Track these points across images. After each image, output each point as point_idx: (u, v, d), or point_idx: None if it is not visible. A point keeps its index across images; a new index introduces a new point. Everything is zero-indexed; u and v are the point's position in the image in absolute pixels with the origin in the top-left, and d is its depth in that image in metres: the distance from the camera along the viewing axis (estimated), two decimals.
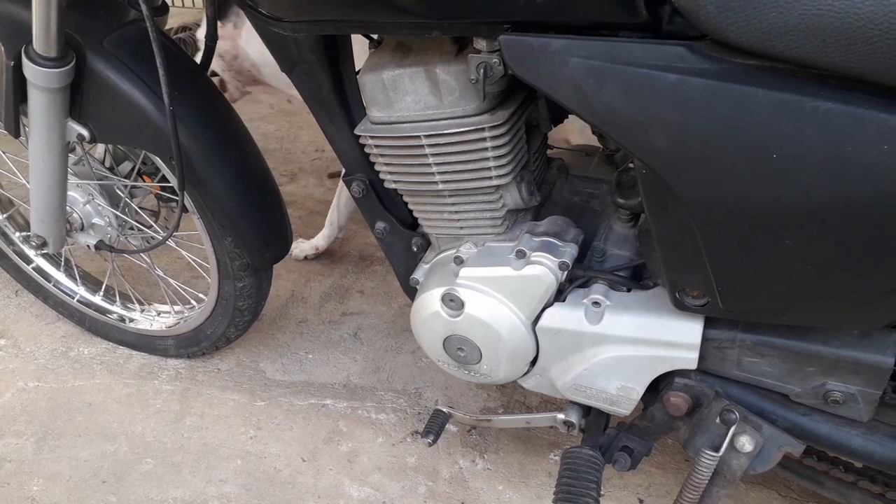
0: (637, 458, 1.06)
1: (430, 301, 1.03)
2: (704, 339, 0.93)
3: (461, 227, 1.04)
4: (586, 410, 1.13)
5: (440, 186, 0.98)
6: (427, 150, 0.94)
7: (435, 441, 1.12)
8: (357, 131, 0.99)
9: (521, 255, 0.97)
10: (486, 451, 1.48)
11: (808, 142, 0.67)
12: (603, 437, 1.09)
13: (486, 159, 0.93)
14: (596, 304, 0.97)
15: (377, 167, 1.02)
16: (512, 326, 0.99)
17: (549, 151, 1.20)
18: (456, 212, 1.02)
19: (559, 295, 1.00)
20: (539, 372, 1.06)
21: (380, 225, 1.15)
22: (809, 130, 0.67)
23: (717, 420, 0.90)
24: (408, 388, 1.64)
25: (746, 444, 0.90)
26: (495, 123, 0.90)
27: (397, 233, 1.15)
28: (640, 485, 1.41)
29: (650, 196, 0.79)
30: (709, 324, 0.92)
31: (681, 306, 0.89)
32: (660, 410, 0.99)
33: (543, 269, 0.96)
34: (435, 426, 1.13)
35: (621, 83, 0.72)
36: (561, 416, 1.09)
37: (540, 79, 0.76)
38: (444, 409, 1.15)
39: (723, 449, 0.89)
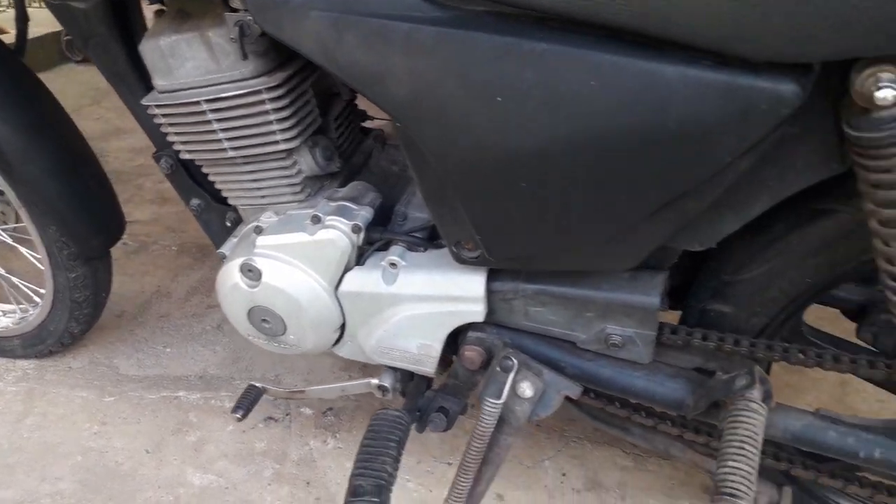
0: (452, 418, 1.07)
1: (229, 273, 1.02)
2: (490, 292, 0.95)
3: (263, 196, 1.03)
4: (409, 375, 1.15)
5: (231, 154, 0.97)
6: (210, 116, 0.93)
7: (245, 416, 1.11)
8: (144, 101, 0.97)
9: (316, 220, 0.97)
10: (339, 431, 1.47)
11: (528, 83, 0.69)
12: (422, 400, 1.10)
13: (269, 123, 0.93)
14: (393, 265, 0.98)
15: (169, 138, 1.00)
16: (312, 293, 1.00)
17: (369, 122, 1.21)
18: (254, 180, 1.01)
19: (361, 260, 1.01)
20: (349, 338, 1.06)
21: (194, 201, 1.14)
22: (527, 72, 0.69)
23: (499, 368, 0.93)
24: (267, 375, 1.62)
25: (527, 389, 0.93)
26: (272, 85, 0.90)
27: (212, 209, 1.14)
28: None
29: (407, 150, 0.81)
30: (492, 276, 0.94)
31: (460, 260, 0.91)
32: (459, 366, 1.01)
33: (337, 233, 0.97)
34: (246, 401, 1.12)
35: (359, 34, 0.74)
36: (375, 381, 1.09)
37: (285, 33, 0.77)
38: (258, 385, 1.14)
39: (504, 396, 0.91)
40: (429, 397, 1.10)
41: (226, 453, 1.43)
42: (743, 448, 0.82)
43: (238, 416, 1.10)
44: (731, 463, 0.82)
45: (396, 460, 0.96)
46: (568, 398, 1.10)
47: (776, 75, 0.63)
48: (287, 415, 1.52)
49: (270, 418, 1.51)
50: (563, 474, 1.39)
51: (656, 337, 0.94)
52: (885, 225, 0.70)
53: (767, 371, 1.05)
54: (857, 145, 0.66)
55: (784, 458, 1.05)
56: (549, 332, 0.98)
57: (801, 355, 0.91)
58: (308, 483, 1.37)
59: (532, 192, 0.76)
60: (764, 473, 1.08)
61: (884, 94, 0.60)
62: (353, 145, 1.10)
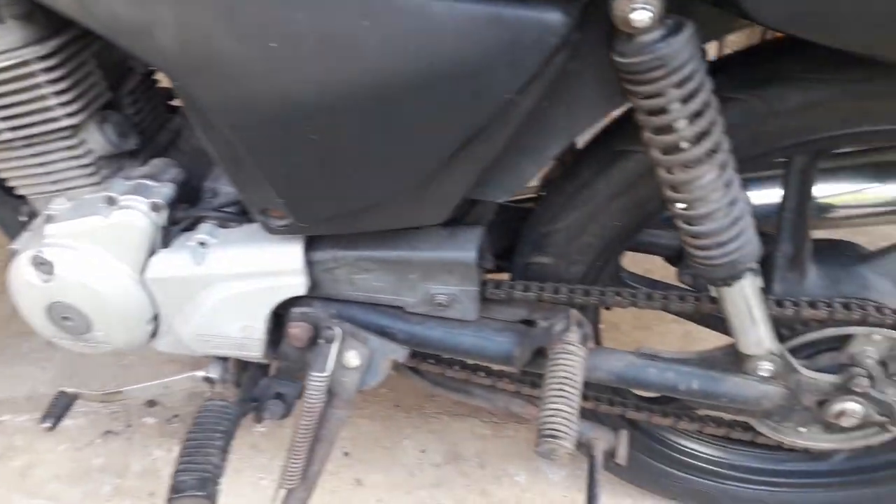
0: (290, 404, 1.03)
1: (19, 269, 0.93)
2: (309, 263, 0.91)
3: (53, 182, 0.94)
4: (243, 365, 1.09)
5: (8, 135, 0.88)
6: None
7: (55, 425, 1.01)
8: None
9: (110, 201, 0.90)
10: None
11: (300, 25, 0.66)
12: (258, 390, 1.04)
13: (45, 97, 0.85)
14: (202, 244, 0.92)
15: None
16: (114, 282, 0.92)
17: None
18: (40, 164, 0.92)
19: (168, 242, 0.94)
20: (166, 330, 0.99)
21: None
22: (299, 13, 0.66)
23: (322, 340, 0.89)
24: (106, 389, 1.50)
25: (353, 359, 0.90)
26: (43, 54, 0.82)
27: (1, 202, 1.03)
28: (347, 438, 1.39)
29: (189, 110, 0.76)
30: (310, 246, 0.91)
31: (271, 230, 0.87)
32: (287, 346, 0.97)
33: (135, 213, 0.89)
34: (56, 410, 1.02)
35: None
36: (200, 373, 1.03)
37: None
38: (69, 390, 1.05)
39: (329, 368, 0.88)
40: (264, 385, 1.04)
41: (58, 474, 1.31)
42: (562, 389, 0.83)
43: (47, 425, 1.01)
44: (551, 405, 0.82)
45: (224, 451, 0.91)
46: (411, 368, 1.09)
47: (542, 5, 0.63)
48: (129, 426, 1.41)
49: (109, 432, 1.40)
50: (423, 451, 1.38)
51: (480, 293, 0.93)
52: (665, 152, 0.72)
53: (596, 319, 1.08)
54: (625, 72, 0.67)
55: (618, 403, 1.08)
56: (378, 300, 0.96)
57: (616, 297, 0.93)
58: (152, 494, 1.28)
59: (322, 145, 0.73)
60: (600, 420, 1.11)
61: (639, 16, 0.61)
62: (154, 122, 1.02)
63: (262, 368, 1.08)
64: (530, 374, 1.08)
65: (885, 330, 0.90)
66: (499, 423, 1.44)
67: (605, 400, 1.07)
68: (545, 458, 0.81)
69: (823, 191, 1.20)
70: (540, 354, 0.94)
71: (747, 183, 1.16)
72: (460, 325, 0.96)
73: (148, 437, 1.39)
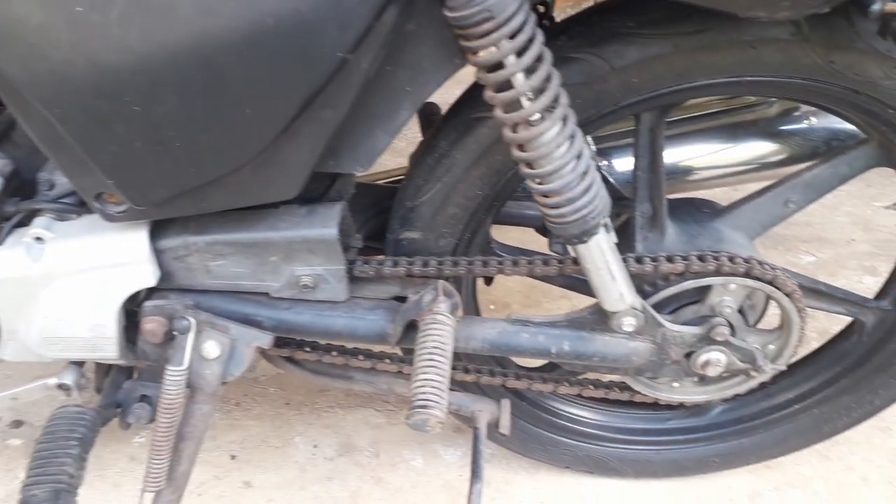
0: (157, 405, 0.96)
1: None
2: (159, 251, 0.86)
3: None
4: (105, 370, 1.02)
5: None
6: None
7: None
8: None
9: None
10: None
11: None
12: (121, 394, 0.98)
13: None
14: (38, 238, 0.85)
15: None
16: None
17: None
18: None
19: None
20: (10, 336, 0.91)
21: None
22: None
23: (175, 332, 0.84)
24: None
25: (212, 349, 0.85)
26: None
27: None
28: (233, 441, 1.34)
29: (3, 92, 0.69)
30: (156, 233, 0.86)
31: (109, 217, 0.81)
32: (145, 343, 0.91)
33: None
34: None
35: None
36: (52, 380, 0.95)
37: None
38: None
39: (186, 360, 0.83)
40: (127, 388, 0.98)
41: None
42: (432, 359, 0.82)
43: None
44: (421, 376, 0.81)
45: (80, 459, 0.84)
46: (288, 359, 1.05)
47: None
48: None
49: None
50: (315, 446, 1.34)
51: (347, 272, 0.91)
52: (507, 110, 0.72)
53: (473, 292, 1.08)
54: (459, 28, 0.66)
55: (499, 373, 1.08)
56: (240, 287, 0.91)
57: (483, 266, 0.93)
58: None
59: (146, 117, 0.68)
60: (483, 392, 1.10)
61: None
62: None
63: (124, 371, 1.01)
64: (412, 353, 1.06)
65: (739, 279, 0.94)
66: (394, 410, 1.42)
67: (486, 371, 1.07)
68: (419, 430, 0.79)
69: (682, 154, 1.25)
70: (413, 328, 0.93)
71: (606, 153, 1.19)
72: (330, 306, 0.93)
73: (13, 460, 1.28)
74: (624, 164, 1.20)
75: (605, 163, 1.21)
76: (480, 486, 0.92)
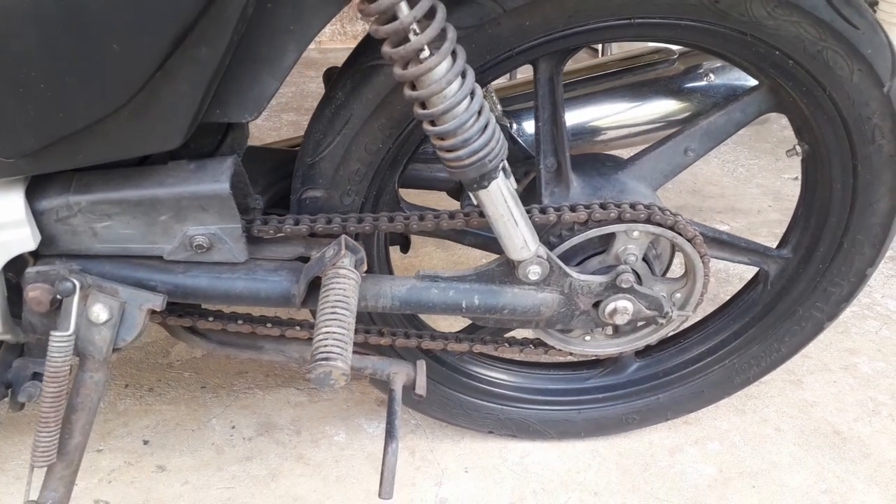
0: None
1: None
2: (38, 213, 0.81)
3: None
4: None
5: None
6: None
7: None
8: None
9: None
10: None
11: None
12: (11, 373, 0.92)
13: None
14: None
15: None
16: None
17: None
18: None
19: None
20: None
21: None
22: None
23: (59, 296, 0.79)
24: None
25: (101, 312, 0.81)
26: None
27: None
28: (146, 426, 1.28)
29: None
30: (34, 193, 0.80)
31: None
32: (31, 313, 0.85)
33: None
34: None
35: None
36: None
37: None
38: None
39: (72, 325, 0.78)
40: (17, 366, 0.92)
41: None
42: (335, 312, 0.80)
43: None
44: (323, 329, 0.79)
45: None
46: (190, 329, 1.01)
47: None
48: None
49: None
50: (233, 427, 1.30)
51: (245, 230, 0.87)
52: (395, 45, 0.71)
53: (387, 260, 1.06)
54: None
55: (413, 335, 1.06)
56: (130, 251, 0.87)
57: (389, 222, 0.92)
58: None
59: (5, 56, 0.64)
60: (398, 354, 1.09)
61: None
62: None
63: (13, 350, 0.95)
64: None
65: (641, 225, 0.95)
66: (315, 388, 1.39)
67: (401, 334, 1.05)
68: (321, 385, 0.77)
69: (588, 115, 1.26)
70: (317, 288, 0.90)
71: (515, 115, 1.19)
72: (229, 268, 0.90)
73: None
74: (532, 126, 1.20)
75: (513, 125, 1.21)
76: (396, 446, 0.90)
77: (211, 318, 0.98)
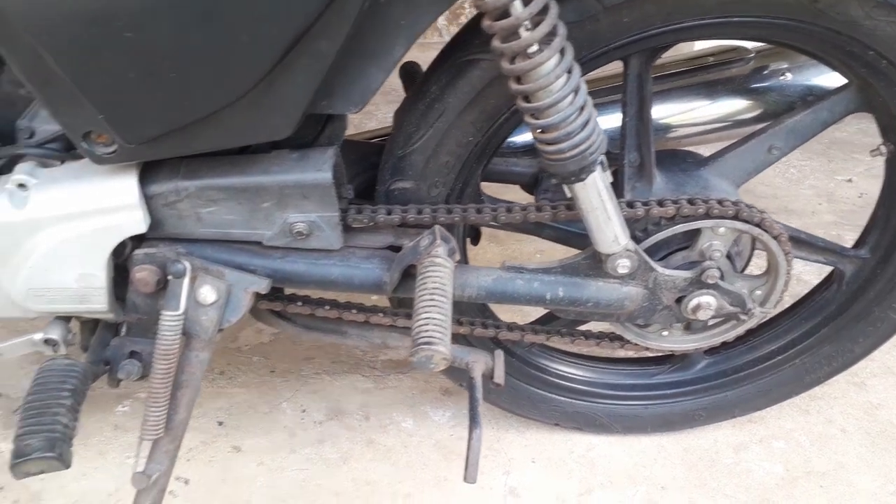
0: (147, 361, 0.94)
1: None
2: (149, 197, 0.84)
3: None
4: (90, 327, 0.99)
5: None
6: None
7: None
8: None
9: None
10: None
11: None
12: (109, 351, 0.95)
13: None
14: (21, 185, 0.82)
15: None
16: None
17: None
18: None
19: None
20: None
21: None
22: None
23: (171, 277, 0.83)
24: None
25: (209, 294, 0.84)
26: None
27: None
28: (220, 408, 1.32)
29: None
30: (146, 178, 0.84)
31: (98, 160, 0.79)
32: (135, 294, 0.89)
33: None
34: None
35: None
36: (38, 335, 0.93)
37: None
38: None
39: (182, 305, 0.81)
40: (116, 345, 0.96)
41: None
42: (433, 299, 0.82)
43: None
44: (423, 315, 0.81)
45: (74, 410, 0.82)
46: (279, 314, 1.04)
47: None
48: None
49: None
50: (304, 410, 1.33)
51: (342, 219, 0.90)
52: (505, 39, 0.72)
53: (463, 243, 1.08)
54: None
55: (491, 325, 1.08)
56: (231, 236, 0.90)
57: (478, 213, 0.93)
58: (1, 489, 1.15)
59: (139, 45, 0.66)
60: (478, 343, 1.11)
61: None
62: None
63: (111, 329, 0.99)
64: (404, 307, 1.06)
65: (728, 221, 0.95)
66: (381, 375, 1.41)
67: (478, 324, 1.07)
68: (422, 368, 0.79)
69: (660, 112, 1.26)
70: (410, 277, 0.92)
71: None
72: (325, 255, 0.93)
73: None
74: (609, 120, 1.20)
75: None
76: (480, 432, 0.92)
77: (300, 303, 1.01)
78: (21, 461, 0.78)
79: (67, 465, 0.80)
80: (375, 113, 2.26)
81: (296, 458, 1.23)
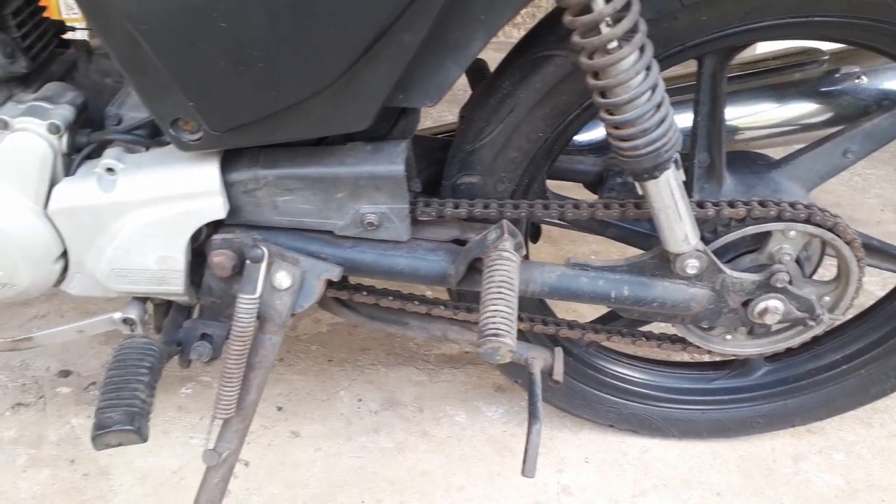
0: (218, 344, 0.97)
1: None
2: (229, 184, 0.87)
3: None
4: (164, 311, 1.03)
5: None
6: None
7: None
8: None
9: (2, 125, 0.83)
10: None
11: None
12: (182, 332, 0.99)
13: None
14: (109, 170, 0.86)
15: None
16: (13, 214, 0.85)
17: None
18: None
19: (71, 169, 0.88)
20: (77, 268, 0.92)
21: None
22: None
23: (249, 262, 0.85)
24: (10, 362, 1.40)
25: (284, 279, 0.86)
26: None
27: None
28: (279, 394, 1.35)
29: (85, 5, 0.70)
30: (227, 166, 0.87)
31: (184, 146, 0.82)
32: (211, 278, 0.92)
33: (30, 136, 0.83)
34: None
35: None
36: (118, 314, 0.97)
37: None
38: None
39: (259, 289, 0.84)
40: (188, 327, 0.99)
41: None
42: (500, 292, 0.83)
43: None
44: (490, 307, 0.82)
45: (150, 387, 0.86)
46: (344, 303, 1.06)
47: None
48: (41, 397, 1.32)
49: (20, 404, 1.30)
50: (360, 399, 1.35)
51: (410, 211, 0.91)
52: (585, 34, 0.73)
53: (526, 238, 1.08)
54: None
55: (551, 322, 1.08)
56: (304, 225, 0.92)
57: (545, 209, 0.94)
58: (72, 461, 1.20)
59: (232, 35, 0.69)
60: (537, 340, 1.11)
61: None
62: (45, 49, 0.95)
63: (183, 311, 1.02)
64: (466, 300, 1.07)
65: (800, 225, 0.94)
66: (435, 369, 1.43)
67: (538, 321, 1.08)
68: (489, 359, 0.80)
69: (728, 113, 1.24)
70: (474, 270, 0.93)
71: None
72: (392, 246, 0.94)
73: (63, 407, 1.30)
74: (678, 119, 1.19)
75: None
76: (539, 427, 0.92)
77: (364, 293, 1.03)
78: (102, 433, 0.82)
79: (144, 439, 0.84)
80: (430, 111, 2.28)
81: (352, 445, 1.25)
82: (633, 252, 1.05)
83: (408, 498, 1.17)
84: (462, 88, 1.00)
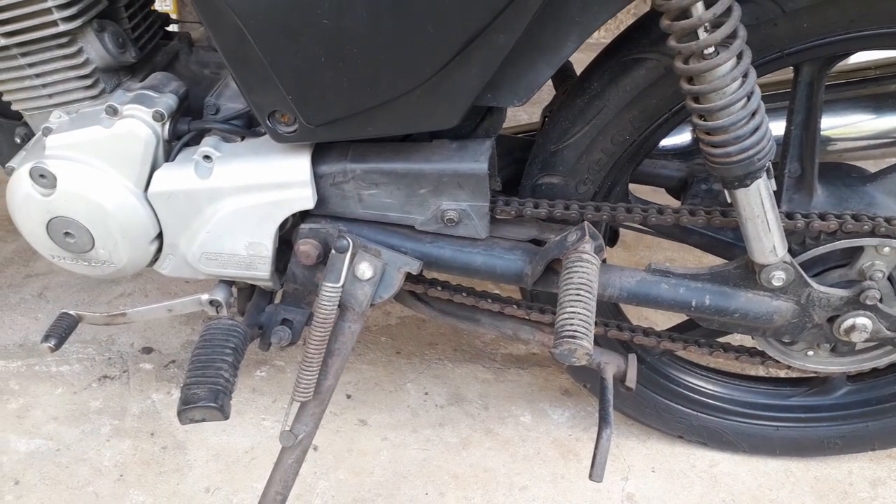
0: (298, 329, 1.01)
1: (19, 182, 0.90)
2: (318, 176, 0.90)
3: (50, 96, 0.92)
4: (248, 294, 1.07)
5: (2, 42, 0.85)
6: None
7: (58, 346, 0.99)
8: None
9: (111, 111, 0.88)
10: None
11: None
12: (263, 316, 1.03)
13: None
14: (207, 157, 0.90)
15: None
16: (117, 195, 0.90)
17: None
18: (37, 74, 0.90)
19: (171, 156, 0.92)
20: (170, 250, 0.97)
21: None
22: None
23: (334, 251, 0.88)
24: (98, 336, 1.48)
25: (366, 270, 0.88)
26: None
27: None
28: (348, 382, 1.38)
29: (198, 4, 0.73)
30: (318, 158, 0.89)
31: (279, 137, 0.85)
32: (296, 265, 0.95)
33: (136, 122, 0.88)
34: (58, 330, 1.00)
35: None
36: (205, 296, 1.01)
37: None
38: (72, 312, 1.02)
39: (342, 278, 0.86)
40: (270, 311, 1.03)
41: (55, 416, 1.28)
42: (579, 294, 0.83)
43: (50, 345, 0.98)
44: (568, 309, 0.82)
45: (234, 367, 0.89)
46: (418, 297, 1.08)
47: None
48: (124, 372, 1.39)
49: (106, 377, 1.37)
50: (426, 393, 1.37)
51: (490, 209, 0.92)
52: (682, 39, 0.72)
53: (605, 239, 1.07)
54: None
55: (626, 328, 1.07)
56: (387, 218, 0.94)
57: (627, 213, 0.93)
58: (152, 434, 1.26)
59: (336, 32, 0.71)
60: (609, 345, 1.10)
61: None
62: (152, 41, 1.00)
63: (266, 296, 1.06)
64: (539, 300, 1.07)
65: (895, 241, 0.90)
66: (501, 368, 1.43)
67: (613, 326, 1.07)
68: (564, 360, 0.79)
69: (825, 123, 1.20)
70: (551, 271, 0.93)
71: None
72: (470, 243, 0.95)
73: (145, 382, 1.37)
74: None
75: None
76: (610, 432, 0.92)
77: (439, 288, 1.04)
78: (188, 408, 0.85)
79: (227, 417, 0.87)
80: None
81: (417, 437, 1.27)
82: (712, 260, 1.03)
83: (471, 493, 1.18)
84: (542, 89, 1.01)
